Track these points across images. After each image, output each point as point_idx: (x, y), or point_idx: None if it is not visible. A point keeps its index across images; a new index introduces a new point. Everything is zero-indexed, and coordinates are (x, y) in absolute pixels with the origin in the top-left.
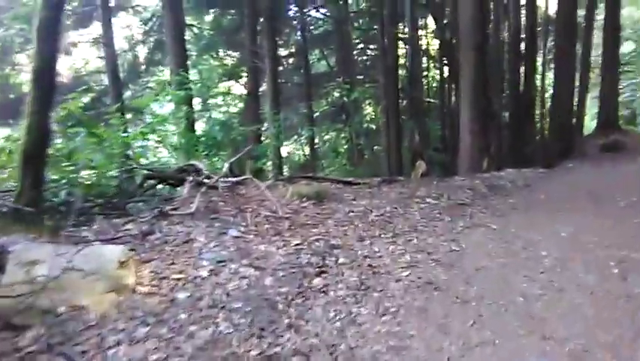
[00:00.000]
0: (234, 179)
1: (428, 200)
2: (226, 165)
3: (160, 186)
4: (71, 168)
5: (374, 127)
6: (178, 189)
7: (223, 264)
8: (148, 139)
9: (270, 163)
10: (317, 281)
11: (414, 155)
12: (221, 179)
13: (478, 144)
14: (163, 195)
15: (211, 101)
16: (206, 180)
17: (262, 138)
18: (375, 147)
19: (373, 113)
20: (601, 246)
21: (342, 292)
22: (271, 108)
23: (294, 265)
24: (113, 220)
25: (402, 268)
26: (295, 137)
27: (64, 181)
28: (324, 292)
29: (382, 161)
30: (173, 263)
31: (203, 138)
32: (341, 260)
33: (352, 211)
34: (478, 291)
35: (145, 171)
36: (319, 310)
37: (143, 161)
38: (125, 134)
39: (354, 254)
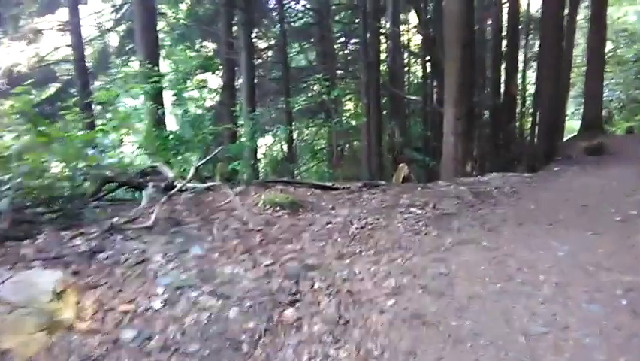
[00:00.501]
0: (201, 185)
1: (412, 209)
2: (192, 169)
3: (121, 189)
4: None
5: (354, 123)
6: (142, 193)
7: (181, 291)
8: (107, 137)
9: (244, 164)
10: (289, 313)
11: (395, 157)
12: (187, 184)
13: (462, 147)
14: (121, 202)
15: (184, 94)
16: (169, 186)
17: (239, 135)
18: (355, 144)
19: (354, 110)
20: (603, 269)
21: (318, 328)
22: (247, 104)
23: (263, 292)
24: (61, 233)
25: (386, 295)
26: (273, 132)
27: (6, 186)
28: (297, 327)
29: (362, 161)
30: (121, 290)
31: (170, 137)
32: (317, 285)
33: (330, 223)
34: (473, 326)
35: (103, 174)
36: (290, 353)
37: (110, 160)
38: (82, 132)
39: (332, 277)
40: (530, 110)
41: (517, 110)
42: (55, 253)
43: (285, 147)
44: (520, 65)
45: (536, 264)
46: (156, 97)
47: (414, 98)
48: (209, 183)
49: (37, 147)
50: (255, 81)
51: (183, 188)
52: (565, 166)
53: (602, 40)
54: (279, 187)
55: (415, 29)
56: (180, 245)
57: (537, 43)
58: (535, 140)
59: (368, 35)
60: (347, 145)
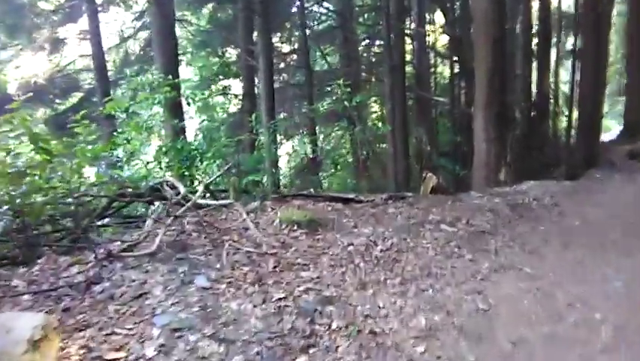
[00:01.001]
0: (214, 202)
1: (443, 226)
2: (201, 186)
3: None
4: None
5: (380, 126)
6: (154, 206)
7: (179, 334)
8: (113, 153)
9: (263, 176)
10: None
11: (423, 165)
12: (198, 202)
13: (495, 153)
14: (131, 220)
15: (204, 102)
16: (178, 204)
17: (259, 144)
18: (382, 149)
19: (379, 116)
20: None
21: None
22: (266, 112)
23: (273, 334)
24: (60, 258)
25: (415, 338)
26: (296, 138)
27: (5, 208)
28: None
29: (388, 170)
30: (113, 333)
31: (184, 148)
32: (335, 323)
33: (352, 244)
34: None
35: (112, 190)
36: None
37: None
38: (90, 147)
39: (352, 312)
40: (564, 110)
41: (550, 109)
42: (49, 284)
43: (309, 154)
44: (552, 63)
45: (589, 298)
46: (174, 107)
47: (441, 100)
48: (222, 201)
49: (40, 164)
50: (277, 86)
51: (192, 206)
52: (608, 173)
53: None
54: (297, 202)
55: (440, 29)
56: (184, 275)
57: (570, 40)
58: (572, 142)
59: (392, 37)
60: (372, 152)
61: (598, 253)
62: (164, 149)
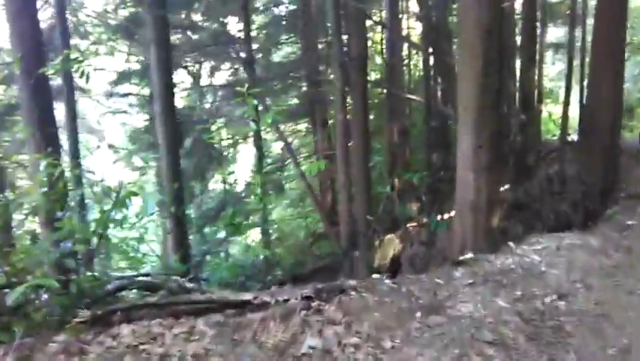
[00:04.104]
0: None
1: None
2: None
3: None
4: None
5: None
6: None
7: None
8: None
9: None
10: None
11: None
12: None
13: (487, 188)
14: None
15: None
16: None
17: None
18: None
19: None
20: None
21: None
22: (162, 132)
23: None
24: None
25: None
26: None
27: None
28: None
29: (338, 219)
30: None
31: None
32: None
33: None
34: None
35: None
36: None
37: None
38: None
39: None
40: (547, 111)
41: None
42: None
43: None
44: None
45: None
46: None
47: (415, 98)
48: None
49: None
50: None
51: None
52: None
53: None
54: (129, 330)
55: (414, 16)
56: None
57: (552, 31)
58: (568, 156)
59: (343, 23)
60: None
61: None
62: None
